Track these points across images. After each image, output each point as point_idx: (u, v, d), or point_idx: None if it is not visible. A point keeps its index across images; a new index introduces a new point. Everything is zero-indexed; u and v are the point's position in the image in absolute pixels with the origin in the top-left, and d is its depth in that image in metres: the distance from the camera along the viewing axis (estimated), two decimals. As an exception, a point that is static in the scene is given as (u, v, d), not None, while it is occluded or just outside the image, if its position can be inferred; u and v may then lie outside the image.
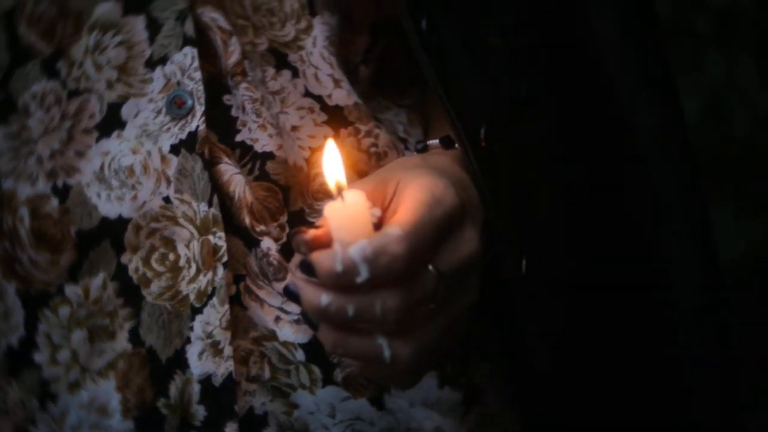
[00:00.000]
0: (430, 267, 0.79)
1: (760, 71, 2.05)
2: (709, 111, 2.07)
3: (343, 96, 0.91)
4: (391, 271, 0.77)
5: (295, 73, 0.91)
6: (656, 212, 0.93)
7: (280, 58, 0.91)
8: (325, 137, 0.90)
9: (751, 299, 2.16)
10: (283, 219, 0.88)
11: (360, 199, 0.78)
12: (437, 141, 0.90)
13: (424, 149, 0.90)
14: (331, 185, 0.79)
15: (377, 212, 0.80)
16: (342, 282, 0.77)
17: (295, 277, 0.80)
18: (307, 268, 0.78)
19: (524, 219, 0.87)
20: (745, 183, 2.10)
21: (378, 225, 0.80)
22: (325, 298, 0.78)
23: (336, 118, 0.91)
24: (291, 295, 0.81)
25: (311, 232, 0.79)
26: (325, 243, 0.78)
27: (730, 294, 2.12)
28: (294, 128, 0.90)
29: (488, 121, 0.86)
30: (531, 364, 0.90)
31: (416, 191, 0.80)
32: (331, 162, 0.80)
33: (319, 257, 0.78)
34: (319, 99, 0.91)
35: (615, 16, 0.93)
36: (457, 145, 0.89)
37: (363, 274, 0.77)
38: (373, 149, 0.91)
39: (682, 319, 0.94)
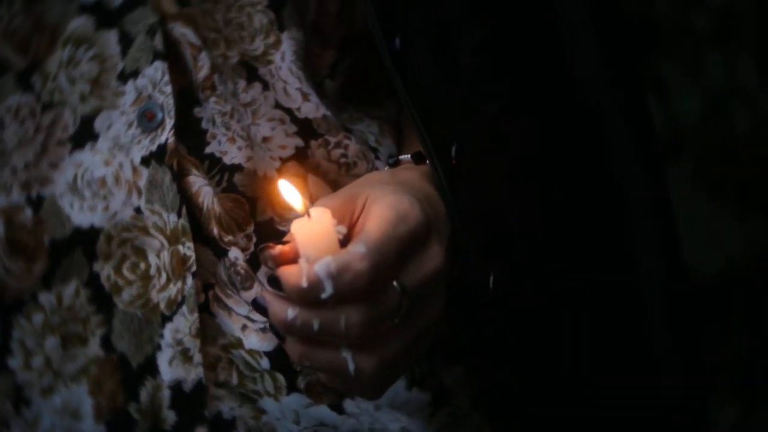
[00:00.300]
0: (395, 283, 0.81)
1: (760, 71, 2.03)
2: (709, 111, 2.06)
3: (311, 109, 0.92)
4: (355, 287, 0.78)
5: (266, 86, 0.92)
6: (626, 232, 0.94)
7: (251, 71, 0.92)
8: (296, 148, 0.91)
9: (751, 299, 2.16)
10: (250, 229, 0.89)
11: (326, 217, 0.80)
12: (408, 156, 0.91)
13: (395, 164, 0.91)
14: (297, 204, 0.80)
15: (342, 229, 0.82)
16: (307, 297, 0.79)
17: (263, 291, 0.81)
18: (275, 282, 0.80)
19: (492, 236, 0.88)
20: (745, 183, 2.09)
21: (344, 241, 0.81)
22: (291, 312, 0.80)
23: (306, 130, 0.92)
24: (259, 308, 0.82)
25: (278, 248, 0.81)
26: (291, 258, 0.80)
27: (729, 294, 2.11)
28: (265, 139, 0.91)
29: (459, 138, 0.87)
30: (496, 375, 0.91)
31: (382, 208, 0.81)
32: (291, 194, 0.81)
33: (285, 273, 0.79)
34: (289, 111, 0.92)
35: (587, 34, 0.93)
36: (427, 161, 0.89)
37: (327, 290, 0.78)
38: (342, 160, 0.92)
39: (654, 330, 0.94)
